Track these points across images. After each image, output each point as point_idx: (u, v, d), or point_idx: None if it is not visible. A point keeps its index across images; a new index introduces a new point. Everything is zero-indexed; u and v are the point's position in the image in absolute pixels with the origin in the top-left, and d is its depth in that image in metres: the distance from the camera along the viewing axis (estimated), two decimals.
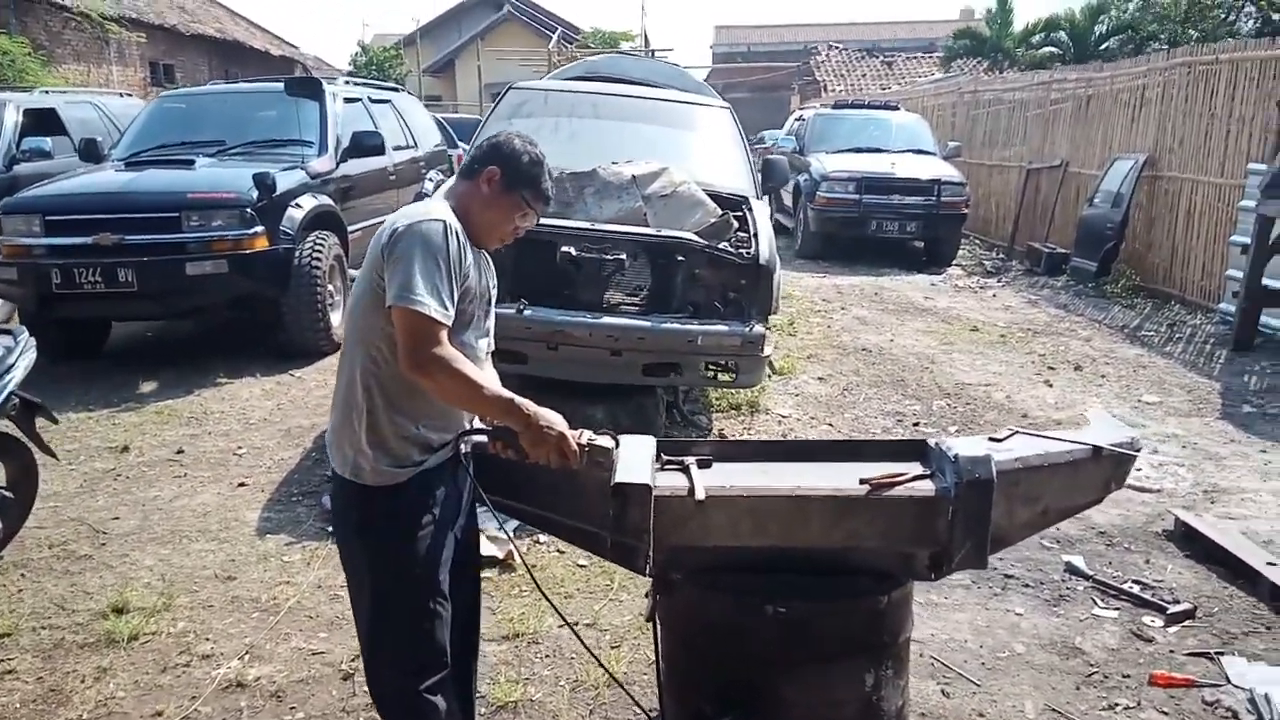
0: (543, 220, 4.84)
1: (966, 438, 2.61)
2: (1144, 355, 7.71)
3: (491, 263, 2.55)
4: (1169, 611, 3.55)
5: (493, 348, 2.58)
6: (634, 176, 5.45)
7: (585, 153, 5.83)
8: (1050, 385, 6.83)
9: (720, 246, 4.88)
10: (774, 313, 5.17)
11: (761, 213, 5.50)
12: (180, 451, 5.29)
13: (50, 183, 6.93)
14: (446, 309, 2.14)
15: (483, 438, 2.36)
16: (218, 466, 5.10)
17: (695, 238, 4.85)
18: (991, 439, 2.64)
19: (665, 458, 2.57)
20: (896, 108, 14.14)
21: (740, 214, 5.47)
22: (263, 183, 6.46)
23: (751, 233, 5.13)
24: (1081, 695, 3.06)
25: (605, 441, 2.33)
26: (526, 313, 4.62)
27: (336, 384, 2.30)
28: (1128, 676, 3.16)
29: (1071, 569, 3.91)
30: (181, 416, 5.90)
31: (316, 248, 6.84)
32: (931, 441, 2.57)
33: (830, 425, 5.90)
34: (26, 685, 3.12)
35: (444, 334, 2.13)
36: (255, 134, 7.64)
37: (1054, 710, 2.98)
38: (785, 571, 2.54)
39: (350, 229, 7.58)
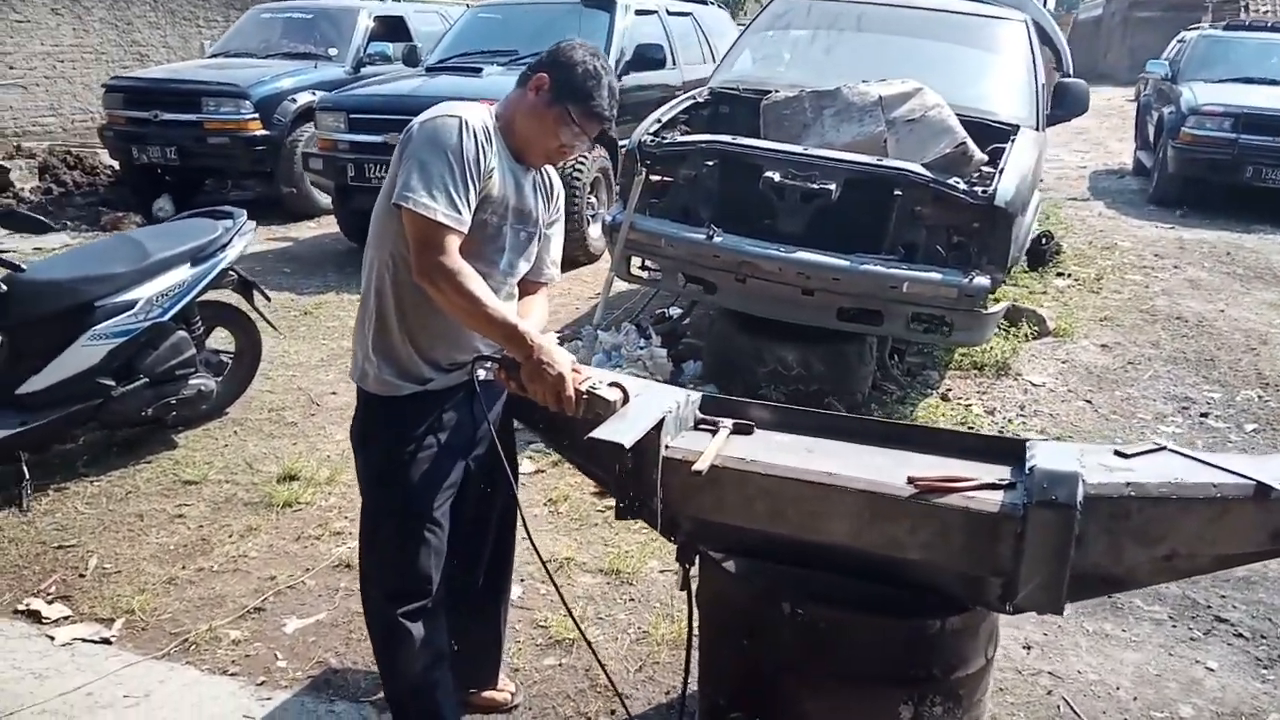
0: (746, 142, 4.59)
1: (1071, 445, 2.04)
2: None
3: (552, 185, 2.36)
4: None
5: (552, 278, 2.42)
6: (880, 97, 4.89)
7: (839, 69, 5.35)
8: None
9: (949, 182, 4.24)
10: (1014, 264, 4.45)
11: (1025, 145, 4.71)
12: None
13: (361, 85, 7.63)
14: (458, 213, 2.01)
15: (490, 365, 2.22)
16: None
17: (920, 170, 4.25)
18: (1119, 453, 2.05)
19: (702, 416, 2.29)
20: None
21: (1003, 146, 4.73)
22: None
23: (999, 168, 4.41)
24: None
25: (610, 393, 2.10)
26: (716, 240, 4.34)
27: None
28: None
29: None
30: None
31: (579, 159, 6.94)
32: (1030, 445, 2.05)
33: (1089, 403, 5.04)
34: (187, 530, 3.53)
35: (452, 239, 2.01)
36: (547, 44, 7.82)
37: None
38: (826, 569, 2.19)
39: (623, 143, 7.60)
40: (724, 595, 2.30)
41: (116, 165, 9.60)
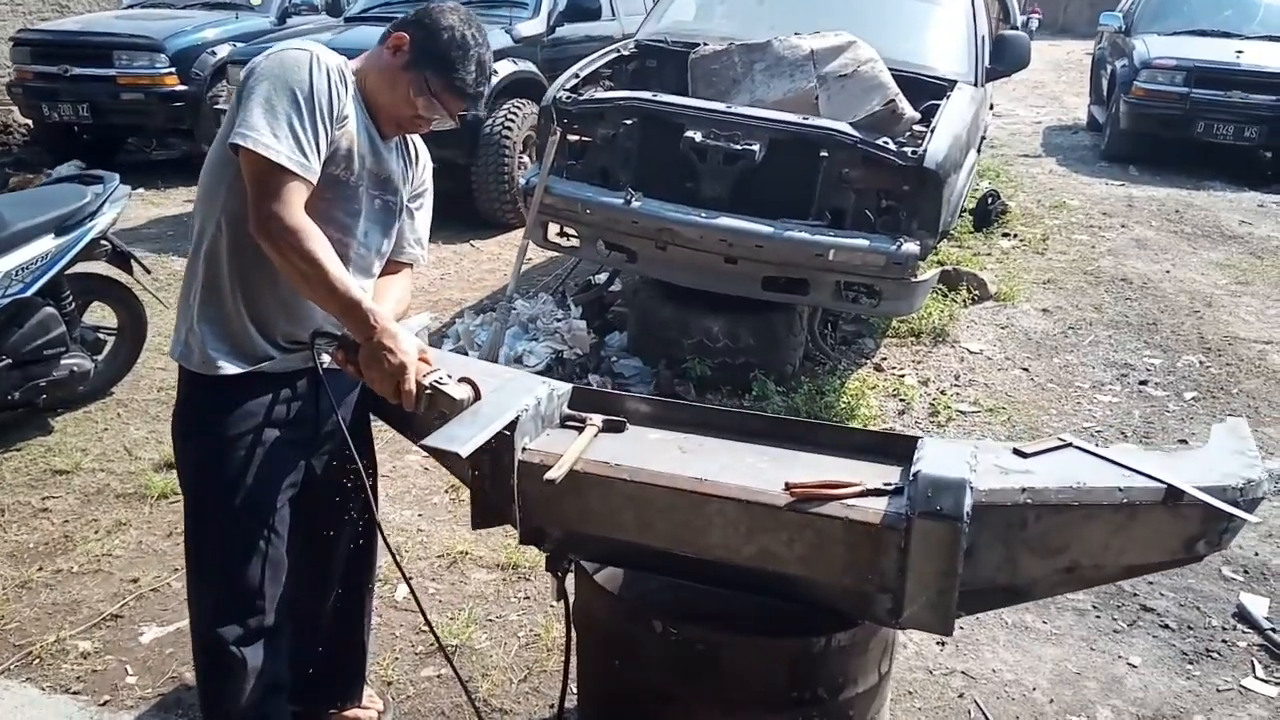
0: (665, 99, 4.31)
1: (965, 443, 1.83)
2: None
3: (418, 154, 2.11)
4: None
5: (416, 258, 2.17)
6: (813, 51, 4.62)
7: (772, 19, 5.10)
8: None
9: (878, 142, 4.00)
10: (946, 229, 4.24)
11: (960, 103, 4.48)
12: None
13: (278, 37, 7.21)
14: (305, 159, 1.75)
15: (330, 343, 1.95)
16: None
17: (847, 129, 4.01)
18: (1018, 452, 1.85)
19: (570, 412, 2.06)
20: None
21: (937, 103, 4.50)
22: None
23: (931, 127, 4.17)
24: None
25: (458, 390, 1.85)
26: (635, 204, 4.08)
27: None
28: None
29: (1243, 614, 2.90)
30: None
31: (509, 116, 6.62)
32: (920, 444, 1.84)
33: (1026, 370, 4.88)
34: (50, 526, 3.26)
35: (296, 189, 1.75)
36: None
37: None
38: (709, 583, 1.98)
39: None
40: (593, 612, 2.09)
41: (31, 124, 9.10)
